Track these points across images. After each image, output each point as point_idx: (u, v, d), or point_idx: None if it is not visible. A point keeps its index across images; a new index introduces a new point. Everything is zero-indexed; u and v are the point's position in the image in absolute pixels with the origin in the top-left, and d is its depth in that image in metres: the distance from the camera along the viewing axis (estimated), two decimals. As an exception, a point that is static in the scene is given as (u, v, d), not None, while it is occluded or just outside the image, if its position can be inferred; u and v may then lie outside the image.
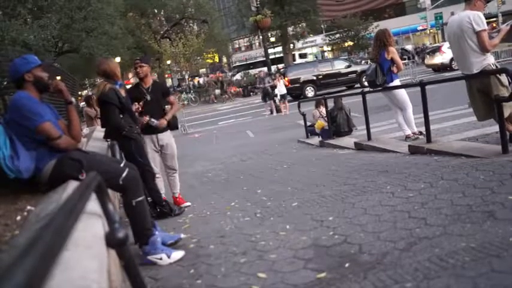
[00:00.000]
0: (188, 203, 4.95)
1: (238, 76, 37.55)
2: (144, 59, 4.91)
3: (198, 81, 40.18)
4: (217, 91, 30.79)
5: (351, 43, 45.07)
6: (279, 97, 17.29)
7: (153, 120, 4.69)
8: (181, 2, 37.23)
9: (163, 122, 4.75)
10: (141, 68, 4.74)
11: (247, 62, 45.36)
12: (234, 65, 48.17)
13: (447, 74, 18.76)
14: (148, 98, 4.73)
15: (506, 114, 4.36)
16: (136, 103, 4.67)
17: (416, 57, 31.69)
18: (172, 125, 4.98)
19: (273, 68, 26.42)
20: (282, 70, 23.92)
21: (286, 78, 21.72)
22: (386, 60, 6.23)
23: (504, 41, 4.93)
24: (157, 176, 4.76)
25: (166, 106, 5.03)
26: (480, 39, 4.51)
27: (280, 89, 17.27)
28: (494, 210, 2.85)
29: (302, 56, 44.81)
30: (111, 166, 3.05)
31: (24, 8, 13.78)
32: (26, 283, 0.66)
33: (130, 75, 49.87)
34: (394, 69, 6.27)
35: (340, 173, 5.20)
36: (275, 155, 8.05)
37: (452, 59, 18.51)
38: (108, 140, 4.42)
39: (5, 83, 5.21)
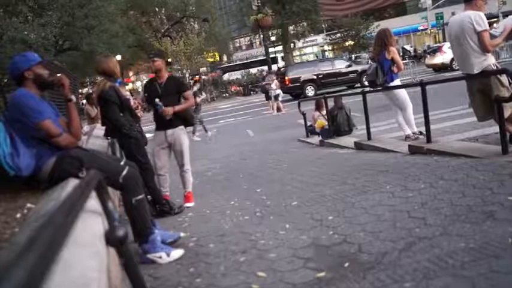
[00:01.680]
0: (191, 204, 4.91)
1: (225, 77, 37.48)
2: (156, 54, 4.86)
3: (199, 79, 40.15)
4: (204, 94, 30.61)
5: (351, 43, 45.04)
6: (272, 97, 17.41)
7: (159, 103, 4.59)
8: (182, 1, 37.21)
9: (169, 110, 4.62)
10: (153, 63, 4.76)
11: (235, 63, 44.06)
12: (221, 66, 44.52)
13: (448, 74, 18.75)
14: (159, 91, 4.70)
15: (506, 114, 4.36)
16: (134, 100, 4.66)
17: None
18: (186, 121, 4.87)
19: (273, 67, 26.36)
20: (280, 70, 23.92)
21: (286, 78, 21.77)
22: (387, 60, 6.22)
23: (506, 39, 4.86)
24: (161, 173, 4.77)
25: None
26: (481, 39, 4.50)
27: (274, 89, 17.38)
28: (493, 210, 2.85)
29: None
30: (111, 164, 3.05)
31: (25, 6, 13.77)
32: (25, 281, 0.66)
33: (130, 73, 49.80)
34: (395, 69, 6.27)
35: (340, 172, 5.20)
36: (275, 154, 8.05)
37: (452, 59, 18.51)
38: (109, 137, 4.41)
39: (6, 80, 5.21)
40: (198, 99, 13.98)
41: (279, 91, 17.61)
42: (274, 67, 29.38)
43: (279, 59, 39.54)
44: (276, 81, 18.05)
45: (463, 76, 4.97)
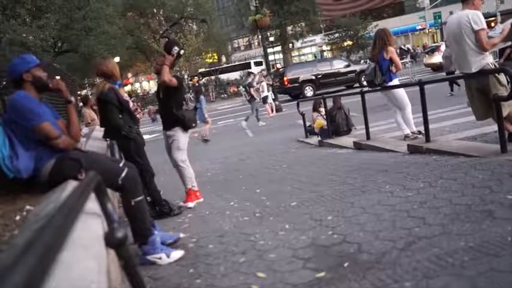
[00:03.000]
0: (191, 204, 4.89)
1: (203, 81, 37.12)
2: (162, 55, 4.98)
3: (198, 81, 40.02)
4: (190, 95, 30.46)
5: (350, 43, 45.10)
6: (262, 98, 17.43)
7: None
8: (181, 2, 37.21)
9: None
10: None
11: (216, 68, 42.26)
12: (201, 70, 40.45)
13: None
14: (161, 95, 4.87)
15: (505, 113, 4.37)
16: (133, 103, 4.69)
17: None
18: (182, 123, 4.84)
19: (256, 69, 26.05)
20: (279, 71, 23.88)
21: (285, 78, 21.76)
22: (385, 60, 6.23)
23: (504, 40, 4.82)
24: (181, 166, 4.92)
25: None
26: (478, 38, 4.50)
27: (261, 91, 17.33)
28: (493, 209, 2.85)
29: (258, 63, 37.48)
30: (110, 166, 3.05)
31: (24, 8, 13.77)
32: (25, 283, 0.66)
33: (129, 74, 49.75)
34: (393, 68, 6.28)
35: (339, 172, 5.20)
36: (274, 154, 8.05)
37: (451, 59, 18.48)
38: (108, 139, 4.41)
39: (4, 82, 5.20)
40: (252, 90, 15.15)
41: (264, 94, 17.34)
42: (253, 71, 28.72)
43: (252, 64, 37.43)
44: (262, 83, 17.69)
45: (461, 75, 4.98)
